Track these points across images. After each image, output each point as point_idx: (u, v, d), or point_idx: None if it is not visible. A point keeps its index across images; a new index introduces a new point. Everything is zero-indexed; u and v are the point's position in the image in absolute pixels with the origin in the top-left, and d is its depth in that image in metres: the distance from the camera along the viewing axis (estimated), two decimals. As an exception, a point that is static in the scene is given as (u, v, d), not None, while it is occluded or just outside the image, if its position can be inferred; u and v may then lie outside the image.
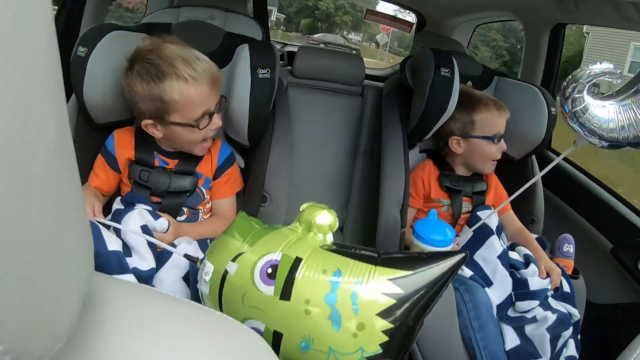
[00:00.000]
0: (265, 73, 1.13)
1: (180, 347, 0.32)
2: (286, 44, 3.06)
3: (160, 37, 1.05)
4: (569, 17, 1.61)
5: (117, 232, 0.92)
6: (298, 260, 0.62)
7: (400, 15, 3.04)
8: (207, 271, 0.67)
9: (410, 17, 2.87)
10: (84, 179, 1.12)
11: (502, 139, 1.39)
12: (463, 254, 0.63)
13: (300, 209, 0.70)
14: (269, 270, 0.62)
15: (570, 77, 0.96)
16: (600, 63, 0.95)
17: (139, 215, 0.96)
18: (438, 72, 1.34)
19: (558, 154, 1.93)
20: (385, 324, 0.57)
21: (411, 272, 0.59)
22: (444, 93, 1.34)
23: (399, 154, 1.43)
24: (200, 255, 0.78)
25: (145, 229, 0.94)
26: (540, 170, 1.59)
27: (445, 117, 1.38)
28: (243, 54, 1.16)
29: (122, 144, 1.12)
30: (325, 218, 0.67)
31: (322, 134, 1.84)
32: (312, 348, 0.59)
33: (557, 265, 1.32)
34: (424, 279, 0.60)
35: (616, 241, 1.56)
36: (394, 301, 0.58)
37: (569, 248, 1.43)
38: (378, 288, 0.58)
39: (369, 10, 2.72)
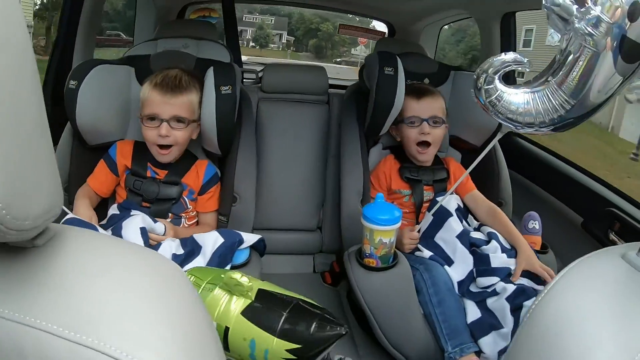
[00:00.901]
0: (227, 89, 1.29)
1: (116, 269, 0.44)
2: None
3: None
4: (513, 6, 1.69)
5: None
6: (227, 329, 0.85)
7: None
8: None
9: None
10: (75, 190, 1.29)
11: (425, 123, 1.46)
12: (344, 332, 0.85)
13: (224, 275, 0.89)
14: None
15: (478, 69, 1.01)
16: (506, 54, 0.99)
17: (141, 219, 1.15)
18: (382, 72, 1.45)
19: (524, 138, 1.98)
20: None
21: (301, 346, 0.82)
22: (389, 90, 1.44)
23: (356, 150, 1.54)
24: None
25: (144, 231, 1.13)
26: (504, 154, 1.67)
27: (394, 112, 1.46)
28: (209, 75, 1.31)
29: (123, 153, 1.31)
30: (240, 287, 0.87)
31: (294, 141, 1.94)
32: None
33: None
34: (309, 349, 0.83)
35: (586, 214, 1.59)
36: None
37: (535, 225, 1.46)
38: (279, 354, 0.82)
39: (342, 25, 2.84)
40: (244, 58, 2.64)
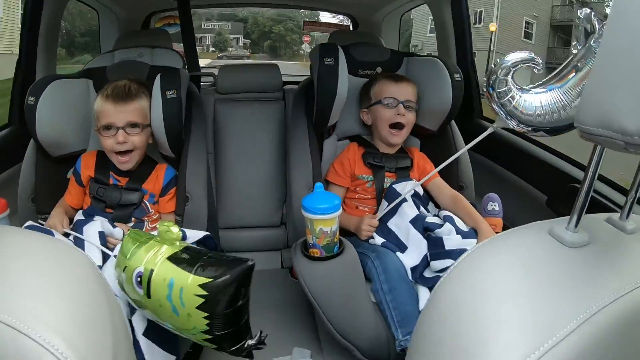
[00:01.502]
0: (172, 94, 1.35)
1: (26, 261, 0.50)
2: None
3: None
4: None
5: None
6: (152, 272, 0.89)
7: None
8: (116, 277, 0.98)
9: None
10: (51, 204, 1.36)
11: (401, 105, 1.46)
12: (250, 264, 0.87)
13: (157, 226, 0.97)
14: (139, 279, 0.90)
15: (492, 65, 0.97)
16: (516, 53, 0.94)
17: (100, 224, 1.21)
18: (322, 62, 1.45)
19: (484, 119, 1.95)
20: (203, 313, 0.84)
21: (211, 279, 0.84)
22: (330, 80, 1.45)
23: (304, 144, 1.54)
24: None
25: (102, 235, 1.19)
26: (466, 140, 1.63)
27: (339, 102, 1.46)
28: (156, 81, 1.36)
29: (86, 164, 1.38)
30: (170, 234, 0.93)
31: (253, 140, 1.96)
32: (171, 326, 0.91)
33: None
34: (221, 282, 0.84)
35: (549, 192, 1.55)
36: (203, 299, 0.84)
37: (494, 206, 1.42)
38: (192, 291, 0.84)
39: (306, 22, 2.85)
40: (206, 62, 2.64)
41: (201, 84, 2.10)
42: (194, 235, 1.21)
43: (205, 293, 0.84)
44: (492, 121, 1.95)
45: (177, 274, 0.87)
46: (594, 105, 0.47)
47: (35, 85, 1.33)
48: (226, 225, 1.88)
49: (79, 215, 1.31)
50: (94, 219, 1.25)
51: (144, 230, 1.36)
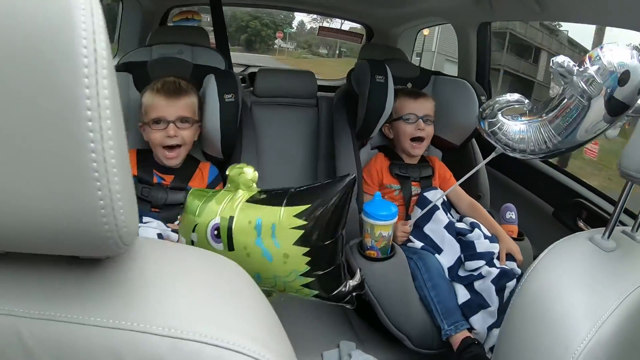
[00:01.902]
0: (230, 97, 1.37)
1: (190, 275, 0.47)
2: (248, 66, 3.27)
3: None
4: (488, 16, 1.84)
5: None
6: (231, 219, 0.80)
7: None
8: (181, 240, 0.91)
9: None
10: None
11: (420, 121, 1.61)
12: (352, 176, 0.84)
13: (227, 172, 0.89)
14: (215, 232, 0.82)
15: (485, 104, 1.17)
16: (511, 95, 1.14)
17: (157, 225, 1.20)
18: (374, 80, 1.58)
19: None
20: (303, 249, 0.76)
21: (309, 205, 0.77)
22: (380, 96, 1.58)
23: (350, 152, 1.66)
24: None
25: (160, 237, 1.18)
26: (482, 152, 1.82)
27: (384, 117, 1.60)
28: (210, 82, 1.38)
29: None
30: (245, 175, 0.86)
31: (286, 143, 2.04)
32: (262, 278, 0.81)
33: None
34: (321, 206, 0.78)
35: (556, 205, 1.76)
36: (302, 231, 0.76)
37: (512, 215, 1.62)
38: (288, 224, 0.77)
39: (322, 27, 2.95)
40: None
41: None
42: None
43: (303, 222, 0.76)
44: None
45: (264, 212, 0.79)
46: (634, 158, 0.68)
47: None
48: None
49: None
50: (144, 220, 1.24)
51: None
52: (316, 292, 0.81)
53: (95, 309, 0.40)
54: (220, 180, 1.45)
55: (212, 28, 2.29)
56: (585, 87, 0.93)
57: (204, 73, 1.45)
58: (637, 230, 0.78)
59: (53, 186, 0.33)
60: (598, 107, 0.94)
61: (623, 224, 0.84)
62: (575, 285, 0.69)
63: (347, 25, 3.31)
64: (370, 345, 1.46)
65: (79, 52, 0.31)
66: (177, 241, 1.19)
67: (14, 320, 0.39)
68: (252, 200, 0.82)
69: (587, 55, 0.94)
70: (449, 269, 1.41)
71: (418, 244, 1.46)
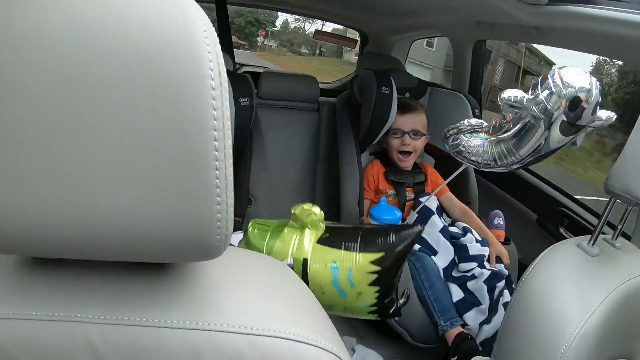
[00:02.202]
0: (245, 101, 1.43)
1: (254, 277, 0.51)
2: (242, 65, 3.31)
3: None
4: (486, 35, 1.95)
5: None
6: (305, 261, 0.88)
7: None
8: None
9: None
10: None
11: (406, 135, 1.71)
12: (419, 228, 0.92)
13: (292, 211, 0.94)
14: None
15: (450, 126, 1.24)
16: (472, 120, 1.22)
17: None
18: (380, 91, 1.67)
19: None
20: (375, 288, 0.87)
21: (384, 253, 0.87)
22: (385, 107, 1.67)
23: (353, 158, 1.75)
24: None
25: None
26: None
27: (387, 126, 1.70)
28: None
29: None
30: (313, 215, 0.92)
31: (287, 145, 2.10)
32: (333, 310, 0.91)
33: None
34: (394, 255, 0.88)
35: (540, 212, 1.90)
36: (376, 275, 0.87)
37: (499, 221, 1.75)
38: (364, 269, 0.87)
39: (317, 31, 3.01)
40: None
41: None
42: None
43: (378, 268, 0.85)
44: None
45: (339, 256, 0.87)
46: (621, 177, 0.81)
47: None
48: None
49: None
50: None
51: None
52: (377, 315, 0.91)
53: (170, 311, 0.42)
54: None
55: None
56: (537, 113, 0.95)
57: None
58: (616, 239, 0.91)
59: (176, 201, 0.36)
60: (554, 129, 0.97)
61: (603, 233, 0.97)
62: (568, 283, 0.82)
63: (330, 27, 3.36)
64: (370, 341, 1.55)
65: (206, 73, 0.33)
66: None
67: (84, 328, 0.40)
68: (323, 242, 0.89)
69: (541, 77, 0.96)
70: (444, 269, 1.52)
71: (416, 246, 1.57)
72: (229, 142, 0.36)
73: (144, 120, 0.34)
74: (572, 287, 0.81)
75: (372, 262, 0.86)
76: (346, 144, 1.79)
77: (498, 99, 1.02)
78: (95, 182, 0.34)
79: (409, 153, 1.73)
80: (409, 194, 1.76)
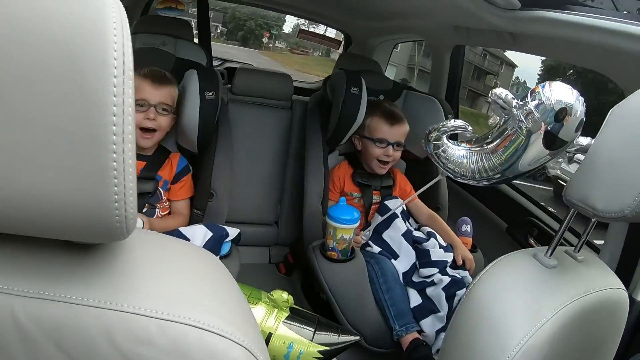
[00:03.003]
0: (211, 95, 1.39)
1: (175, 264, 0.52)
2: (225, 61, 3.30)
3: None
4: (463, 40, 1.93)
5: None
6: (269, 335, 1.11)
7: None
8: None
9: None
10: None
11: (390, 147, 1.67)
12: (358, 338, 1.24)
13: (271, 294, 1.18)
14: None
15: (431, 127, 1.20)
16: (456, 121, 1.18)
17: None
18: (349, 91, 1.64)
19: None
20: None
21: (329, 347, 1.15)
22: (353, 107, 1.64)
23: (319, 157, 1.72)
24: None
25: None
26: None
27: (355, 126, 1.67)
28: (192, 78, 1.40)
29: None
30: (285, 300, 1.17)
31: (259, 142, 2.08)
32: None
33: None
34: (335, 350, 1.18)
35: (510, 221, 1.88)
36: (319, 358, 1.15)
37: (467, 228, 1.72)
38: (310, 354, 1.14)
39: (302, 30, 3.01)
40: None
41: None
42: (232, 232, 1.37)
43: (321, 356, 1.13)
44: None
45: (296, 340, 1.14)
46: (578, 188, 0.76)
47: None
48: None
49: None
50: None
51: (154, 216, 1.43)
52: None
53: (89, 290, 0.43)
54: (188, 171, 1.50)
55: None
56: (524, 120, 0.96)
57: (185, 67, 1.47)
58: (578, 251, 0.87)
59: (76, 180, 0.37)
60: (538, 142, 0.97)
61: (570, 244, 0.92)
62: (516, 294, 0.77)
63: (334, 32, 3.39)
64: None
65: (110, 62, 0.36)
66: (142, 227, 1.27)
67: (8, 299, 0.42)
68: (286, 324, 1.15)
69: (531, 90, 0.97)
70: (404, 274, 1.49)
71: (376, 249, 1.54)
72: (130, 128, 0.37)
73: (53, 103, 0.36)
74: (519, 298, 0.76)
75: (319, 351, 1.14)
76: (313, 143, 1.76)
77: (489, 95, 1.03)
78: (2, 160, 0.36)
79: (388, 162, 1.70)
80: (375, 197, 1.73)
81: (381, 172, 1.72)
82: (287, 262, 2.07)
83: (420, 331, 1.39)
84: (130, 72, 0.37)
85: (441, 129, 1.17)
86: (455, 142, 1.18)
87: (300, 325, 1.16)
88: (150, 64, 1.41)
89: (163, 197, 1.46)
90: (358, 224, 1.41)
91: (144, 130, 1.35)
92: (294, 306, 1.20)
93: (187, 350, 0.43)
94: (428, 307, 1.41)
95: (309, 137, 1.79)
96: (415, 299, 1.44)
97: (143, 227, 1.27)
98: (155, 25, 1.91)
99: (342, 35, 3.08)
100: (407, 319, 1.39)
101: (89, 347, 0.42)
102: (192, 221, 1.48)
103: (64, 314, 0.42)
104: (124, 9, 0.38)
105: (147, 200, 1.42)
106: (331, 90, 1.81)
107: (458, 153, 1.15)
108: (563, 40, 1.30)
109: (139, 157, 1.40)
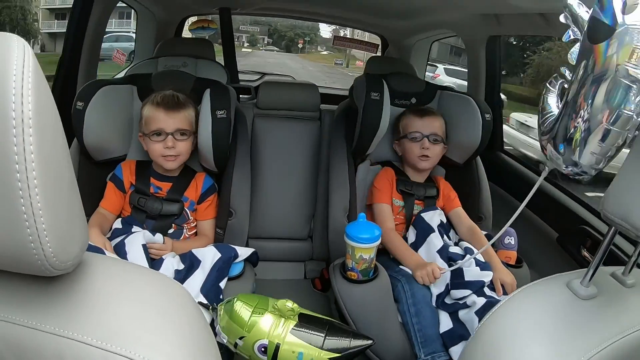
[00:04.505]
0: (222, 114, 1.39)
1: (134, 295, 0.55)
2: (264, 74, 3.31)
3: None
4: (496, 30, 1.78)
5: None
6: (278, 346, 1.05)
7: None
8: (223, 337, 1.11)
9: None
10: (88, 205, 1.34)
11: (426, 139, 1.58)
12: (370, 342, 1.09)
13: (275, 304, 1.09)
14: (262, 349, 1.06)
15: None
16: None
17: (142, 236, 1.25)
18: (369, 96, 1.55)
19: (511, 156, 2.07)
20: None
21: (340, 354, 1.06)
22: (375, 114, 1.55)
23: (344, 169, 1.64)
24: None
25: (145, 248, 1.23)
26: (486, 171, 1.75)
27: (380, 134, 1.57)
28: (205, 98, 1.41)
29: (127, 171, 1.43)
30: (290, 309, 1.08)
31: (288, 156, 2.03)
32: None
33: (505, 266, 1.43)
34: (347, 356, 1.07)
35: (561, 230, 1.68)
36: None
37: (510, 240, 1.55)
38: None
39: (336, 37, 2.94)
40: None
41: (240, 97, 2.18)
42: (244, 253, 1.33)
43: None
44: (512, 155, 2.08)
45: (306, 349, 1.06)
46: (618, 203, 0.62)
47: (83, 90, 1.35)
48: (256, 235, 1.96)
49: (117, 224, 1.35)
50: (133, 230, 1.30)
51: (182, 237, 1.43)
52: None
53: (47, 317, 0.48)
54: (214, 190, 1.49)
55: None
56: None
57: (204, 86, 1.47)
58: (628, 274, 0.71)
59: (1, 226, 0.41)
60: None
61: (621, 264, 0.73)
62: (537, 337, 0.63)
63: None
64: None
65: (9, 115, 0.39)
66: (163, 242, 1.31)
67: None
68: (294, 332, 1.07)
69: None
70: (437, 295, 1.35)
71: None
72: (34, 173, 0.41)
73: None
74: (542, 344, 0.62)
75: (330, 358, 1.05)
76: (338, 154, 1.69)
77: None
78: None
79: (429, 157, 1.59)
80: (417, 207, 1.61)
81: (424, 167, 1.62)
82: (323, 277, 2.00)
83: None
84: (31, 121, 0.40)
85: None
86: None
87: (310, 331, 1.08)
88: (171, 86, 1.43)
89: (190, 218, 1.45)
90: (378, 242, 1.30)
91: (166, 157, 1.36)
92: (304, 312, 1.12)
93: None
94: (459, 333, 1.27)
95: (333, 149, 1.72)
96: (445, 323, 1.30)
97: (164, 243, 1.30)
98: (176, 47, 1.96)
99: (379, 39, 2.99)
100: (435, 346, 1.26)
101: None
102: (214, 241, 1.47)
103: (26, 337, 0.46)
104: (32, 54, 0.42)
105: (172, 221, 1.42)
106: (356, 97, 1.72)
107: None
108: None
109: (165, 178, 1.43)
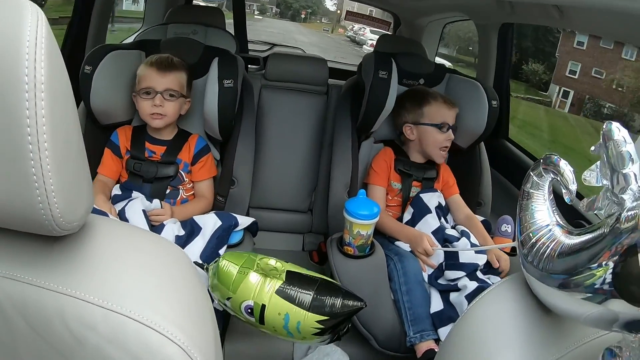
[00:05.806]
0: (229, 83, 1.41)
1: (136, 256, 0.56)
2: (274, 45, 3.29)
3: None
4: (510, 17, 1.75)
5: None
6: (264, 307, 1.01)
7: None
8: (214, 297, 1.09)
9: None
10: (93, 168, 1.38)
11: (450, 130, 1.57)
12: (361, 304, 1.03)
13: (257, 261, 1.06)
14: (249, 310, 1.03)
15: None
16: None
17: (140, 201, 1.30)
18: (377, 75, 1.54)
19: (515, 145, 2.07)
20: (318, 337, 1.03)
21: (328, 317, 1.01)
22: (382, 92, 1.54)
23: (347, 144, 1.64)
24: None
25: (145, 213, 1.28)
26: (489, 158, 1.76)
27: (385, 113, 1.57)
28: (213, 66, 1.43)
29: (123, 137, 1.46)
30: (273, 269, 1.05)
31: (293, 129, 2.04)
32: (281, 337, 1.07)
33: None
34: (336, 319, 1.02)
35: None
36: (319, 330, 1.01)
37: (507, 228, 1.56)
38: (310, 325, 1.01)
39: (349, 12, 2.90)
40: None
41: (248, 67, 2.17)
42: (244, 222, 1.36)
43: (322, 327, 1.01)
44: (514, 143, 2.08)
45: (292, 311, 1.01)
46: None
47: (92, 54, 1.36)
48: (257, 205, 1.98)
49: (116, 190, 1.39)
50: (132, 195, 1.34)
51: (178, 197, 1.46)
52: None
53: (50, 275, 0.49)
54: (207, 151, 1.52)
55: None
56: None
57: (213, 55, 1.47)
58: None
59: (8, 186, 0.43)
60: None
61: None
62: (511, 330, 0.62)
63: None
64: (348, 342, 1.45)
65: (22, 79, 0.40)
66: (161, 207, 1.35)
67: None
68: (280, 292, 1.02)
69: None
70: (430, 274, 1.38)
71: (404, 245, 1.44)
72: (45, 137, 0.42)
73: None
74: (516, 336, 0.61)
75: (318, 321, 1.01)
76: (342, 130, 1.69)
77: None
78: None
79: (447, 148, 1.61)
80: (415, 189, 1.61)
81: (441, 161, 1.63)
82: (320, 250, 2.03)
83: (438, 340, 1.28)
84: (43, 86, 0.41)
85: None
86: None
87: (298, 289, 1.02)
88: (180, 53, 1.45)
89: (185, 179, 1.48)
90: (377, 219, 1.32)
91: (153, 115, 1.39)
92: (293, 269, 1.08)
93: (124, 341, 0.47)
94: (448, 315, 1.30)
95: (337, 124, 1.72)
96: (437, 303, 1.33)
97: (162, 208, 1.34)
98: (186, 14, 1.95)
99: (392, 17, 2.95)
100: (424, 325, 1.29)
101: (47, 325, 0.48)
102: (214, 208, 1.50)
103: (29, 294, 0.48)
104: (44, 19, 0.42)
105: (168, 183, 1.45)
106: (363, 75, 1.71)
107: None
108: (618, 13, 1.12)
109: (159, 142, 1.46)
